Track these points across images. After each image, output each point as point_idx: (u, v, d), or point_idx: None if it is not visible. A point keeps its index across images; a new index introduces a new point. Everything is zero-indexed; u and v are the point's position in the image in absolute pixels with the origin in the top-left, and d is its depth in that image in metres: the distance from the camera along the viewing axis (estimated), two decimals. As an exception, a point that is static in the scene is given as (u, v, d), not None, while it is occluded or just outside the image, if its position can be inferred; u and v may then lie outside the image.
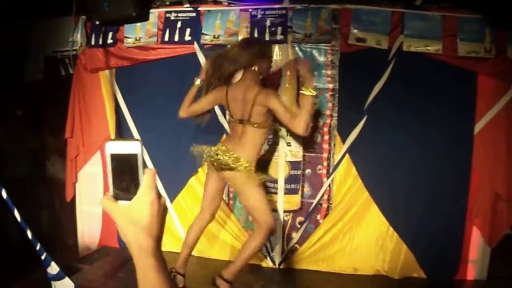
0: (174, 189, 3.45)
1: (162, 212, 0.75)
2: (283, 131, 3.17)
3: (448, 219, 2.99)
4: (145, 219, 0.71)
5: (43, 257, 2.61)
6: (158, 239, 0.75)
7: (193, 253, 3.40)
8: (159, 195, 0.75)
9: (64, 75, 3.82)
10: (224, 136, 3.00)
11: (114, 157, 0.73)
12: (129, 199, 0.73)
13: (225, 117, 3.31)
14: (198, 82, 2.69)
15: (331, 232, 3.14)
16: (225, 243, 3.37)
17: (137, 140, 0.75)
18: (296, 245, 3.23)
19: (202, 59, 3.26)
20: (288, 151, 3.18)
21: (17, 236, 3.16)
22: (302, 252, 3.21)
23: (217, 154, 2.51)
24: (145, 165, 0.75)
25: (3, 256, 3.14)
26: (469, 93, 2.87)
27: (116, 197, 0.73)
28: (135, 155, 0.73)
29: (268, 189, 3.22)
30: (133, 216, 0.71)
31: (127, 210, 0.71)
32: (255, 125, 2.44)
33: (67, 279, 2.65)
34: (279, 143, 3.20)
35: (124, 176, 0.74)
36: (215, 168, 2.56)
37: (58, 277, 2.69)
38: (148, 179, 0.74)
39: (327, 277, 3.11)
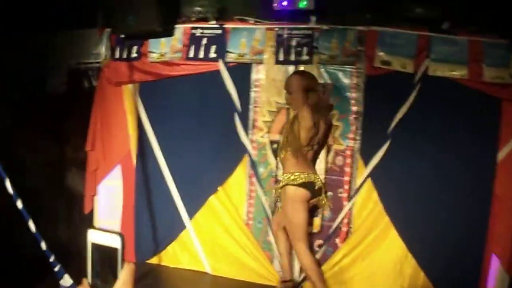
0: (193, 207, 3.73)
1: None
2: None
3: (467, 247, 3.16)
4: None
5: (56, 269, 3.03)
6: None
7: (210, 271, 3.76)
8: None
9: (87, 87, 4.26)
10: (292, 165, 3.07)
11: (95, 247, 0.83)
12: None
13: (247, 135, 3.67)
14: None
15: (350, 256, 3.36)
16: (243, 263, 3.60)
17: (119, 233, 0.88)
18: None
19: (226, 77, 3.61)
20: None
21: (32, 247, 3.58)
22: None
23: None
24: (123, 260, 0.88)
25: (17, 267, 3.50)
26: (493, 120, 3.08)
27: (94, 286, 0.84)
28: (116, 249, 0.84)
29: None
30: None
31: None
32: None
33: None
34: None
35: (103, 267, 0.84)
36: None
37: None
38: (126, 274, 0.85)
39: None
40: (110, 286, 0.89)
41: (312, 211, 3.24)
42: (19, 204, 2.61)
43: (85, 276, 0.90)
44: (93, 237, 0.95)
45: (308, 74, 3.18)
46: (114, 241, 0.93)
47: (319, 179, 3.08)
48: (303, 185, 2.99)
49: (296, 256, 3.21)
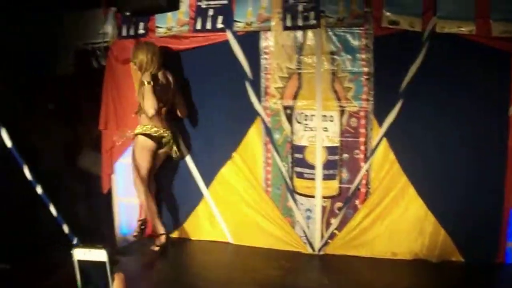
0: (209, 176, 4.11)
1: None
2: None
3: (487, 202, 3.44)
4: None
5: None
6: None
7: (232, 241, 4.21)
8: None
9: (96, 67, 4.68)
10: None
11: (82, 263, 0.92)
12: None
13: (259, 102, 4.06)
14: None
15: (370, 217, 3.69)
16: (264, 230, 3.96)
17: (102, 248, 0.95)
18: (335, 231, 3.80)
19: (235, 46, 3.95)
20: (325, 137, 3.75)
21: (53, 229, 4.03)
22: (341, 238, 3.77)
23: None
24: (113, 271, 0.95)
25: (38, 250, 3.73)
26: (503, 74, 3.33)
27: None
28: (103, 262, 0.92)
29: (306, 175, 3.96)
30: None
31: None
32: None
33: None
34: (316, 129, 3.91)
35: (93, 281, 0.92)
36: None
37: None
38: (118, 285, 0.94)
39: (366, 263, 3.65)
40: None
41: (165, 160, 4.09)
42: (39, 189, 3.04)
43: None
44: (78, 255, 1.00)
45: (146, 46, 3.88)
46: (99, 256, 1.01)
47: (168, 134, 3.92)
48: (150, 136, 3.82)
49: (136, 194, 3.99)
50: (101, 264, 0.98)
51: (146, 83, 3.71)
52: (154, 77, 3.79)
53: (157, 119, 3.86)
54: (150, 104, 3.69)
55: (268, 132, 3.96)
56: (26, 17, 4.56)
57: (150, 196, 3.93)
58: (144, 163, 3.85)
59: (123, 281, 1.00)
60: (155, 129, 3.86)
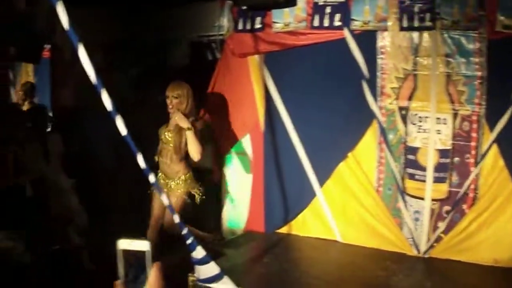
0: (323, 174, 5.73)
1: None
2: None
3: None
4: None
5: (189, 242, 4.18)
6: None
7: (341, 239, 5.88)
8: (164, 285, 1.45)
9: (210, 60, 6.55)
10: None
11: (125, 252, 1.36)
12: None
13: (375, 102, 5.50)
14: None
15: (476, 222, 5.01)
16: (373, 230, 5.51)
17: (146, 240, 1.43)
18: (441, 235, 5.21)
19: (352, 45, 5.42)
20: (437, 139, 5.20)
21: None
22: (447, 242, 5.09)
23: None
24: (152, 261, 1.41)
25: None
26: None
27: (127, 286, 1.35)
28: (144, 252, 1.36)
29: (417, 176, 5.42)
30: None
31: None
32: None
33: (212, 263, 4.30)
34: (429, 131, 5.25)
35: (134, 269, 1.36)
36: None
37: (203, 262, 4.31)
38: (156, 272, 1.42)
39: (469, 268, 4.88)
40: (142, 285, 1.39)
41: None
42: (152, 178, 4.07)
43: (118, 279, 1.37)
44: (123, 245, 1.39)
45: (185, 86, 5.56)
46: (142, 246, 1.39)
47: (180, 178, 5.55)
48: None
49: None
50: (142, 254, 1.37)
51: (187, 128, 5.25)
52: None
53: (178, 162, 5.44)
54: (196, 150, 5.28)
55: (383, 132, 5.52)
56: (142, 8, 6.46)
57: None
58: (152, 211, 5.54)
59: (160, 269, 1.39)
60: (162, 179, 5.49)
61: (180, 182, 5.45)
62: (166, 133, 5.47)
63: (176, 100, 5.40)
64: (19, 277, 4.95)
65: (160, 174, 5.53)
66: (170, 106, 5.40)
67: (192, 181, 5.51)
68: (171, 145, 5.38)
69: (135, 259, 1.42)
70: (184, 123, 5.26)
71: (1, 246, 5.13)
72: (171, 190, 5.43)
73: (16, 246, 5.23)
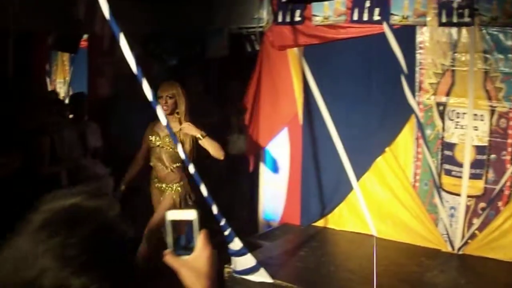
0: (360, 168, 6.31)
1: (216, 262, 1.63)
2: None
3: None
4: (204, 268, 1.58)
5: (226, 233, 4.53)
6: (214, 283, 1.62)
7: (376, 234, 6.30)
8: (213, 250, 1.62)
9: (250, 52, 7.17)
10: None
11: (174, 223, 1.58)
12: (189, 254, 1.56)
13: (413, 97, 6.11)
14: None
15: (511, 220, 5.58)
16: (408, 226, 6.10)
17: (194, 209, 1.74)
18: (476, 232, 5.76)
19: (391, 39, 5.89)
20: (475, 136, 5.74)
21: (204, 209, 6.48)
22: (481, 239, 5.54)
23: None
24: (200, 228, 1.73)
25: None
26: None
27: (178, 254, 1.56)
28: (191, 220, 1.57)
29: (453, 172, 6.05)
30: (195, 266, 1.57)
31: (189, 262, 1.58)
32: None
33: (249, 255, 4.70)
34: (466, 127, 5.82)
35: (182, 238, 1.63)
36: None
37: (239, 253, 4.68)
38: (203, 237, 1.76)
39: (502, 266, 5.34)
40: (191, 251, 1.65)
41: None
42: (191, 168, 4.59)
43: (167, 248, 1.58)
44: (171, 216, 1.64)
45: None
46: (190, 215, 1.63)
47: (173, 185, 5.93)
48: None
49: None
50: (190, 223, 1.59)
51: (200, 136, 5.57)
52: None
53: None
54: (218, 152, 5.66)
55: (420, 127, 6.08)
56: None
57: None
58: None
59: (207, 236, 1.64)
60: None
61: (175, 188, 5.82)
62: (160, 137, 5.79)
63: (171, 100, 5.68)
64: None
65: (154, 177, 5.96)
66: (165, 107, 5.53)
67: (186, 188, 5.83)
68: (170, 149, 5.72)
69: (184, 228, 1.63)
70: (195, 132, 5.58)
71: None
72: (164, 192, 5.88)
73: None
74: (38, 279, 1.20)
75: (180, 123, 5.68)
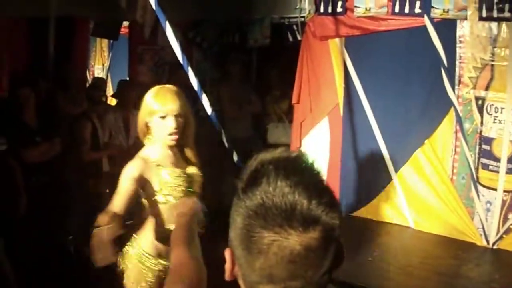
0: (399, 160, 6.65)
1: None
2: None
3: None
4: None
5: None
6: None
7: (413, 226, 6.84)
8: None
9: (291, 42, 7.62)
10: None
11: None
12: None
13: (453, 90, 6.52)
14: None
15: None
16: (445, 218, 6.43)
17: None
18: (511, 227, 6.12)
19: (432, 33, 6.27)
20: None
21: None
22: None
23: None
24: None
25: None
26: None
27: None
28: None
29: (491, 167, 6.37)
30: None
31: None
32: None
33: None
34: (504, 122, 6.10)
35: None
36: None
37: None
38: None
39: None
40: None
41: None
42: (235, 157, 5.35)
43: None
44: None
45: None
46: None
47: None
48: None
49: None
50: None
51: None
52: None
53: None
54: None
55: (459, 121, 6.40)
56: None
57: None
58: None
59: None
60: None
61: None
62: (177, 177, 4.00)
63: (181, 120, 3.90)
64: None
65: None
66: (175, 131, 3.88)
67: None
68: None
69: None
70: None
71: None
72: None
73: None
74: None
75: (183, 153, 4.19)
